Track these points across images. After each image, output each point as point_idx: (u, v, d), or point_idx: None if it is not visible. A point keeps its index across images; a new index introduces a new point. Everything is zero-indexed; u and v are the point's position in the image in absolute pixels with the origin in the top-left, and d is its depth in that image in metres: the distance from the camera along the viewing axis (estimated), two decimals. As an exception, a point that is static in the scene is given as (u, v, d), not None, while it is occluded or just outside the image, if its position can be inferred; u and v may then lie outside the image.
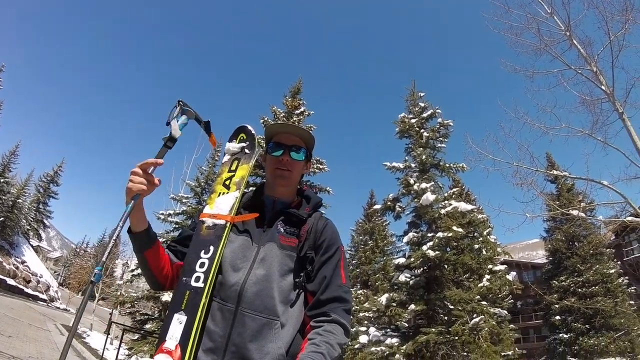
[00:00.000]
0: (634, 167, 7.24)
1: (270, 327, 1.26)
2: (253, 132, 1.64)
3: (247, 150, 1.60)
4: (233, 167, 1.58)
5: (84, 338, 17.17)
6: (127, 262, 25.04)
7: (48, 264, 56.10)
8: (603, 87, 7.62)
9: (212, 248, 1.35)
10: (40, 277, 36.62)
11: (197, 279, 1.30)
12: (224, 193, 1.51)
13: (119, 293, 19.02)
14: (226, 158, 1.62)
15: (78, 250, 71.78)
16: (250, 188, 1.58)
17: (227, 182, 1.54)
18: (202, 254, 1.35)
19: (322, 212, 1.59)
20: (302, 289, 1.38)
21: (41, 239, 49.09)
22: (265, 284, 1.31)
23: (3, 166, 35.35)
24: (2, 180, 34.08)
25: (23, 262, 34.84)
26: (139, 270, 16.06)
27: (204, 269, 1.31)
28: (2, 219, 33.23)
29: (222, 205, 1.46)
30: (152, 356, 1.26)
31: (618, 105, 7.41)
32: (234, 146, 1.61)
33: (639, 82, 7.49)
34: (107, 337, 14.58)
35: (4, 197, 33.96)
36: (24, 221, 38.25)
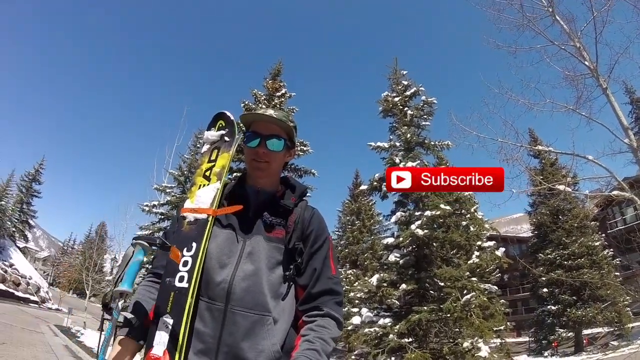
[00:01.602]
0: (618, 141, 7.30)
1: (262, 323, 1.21)
2: (232, 118, 1.55)
3: (226, 138, 1.51)
4: (213, 157, 1.50)
5: (79, 337, 16.97)
6: (115, 257, 24.84)
7: (37, 265, 55.38)
8: (586, 63, 7.61)
9: (194, 245, 1.28)
10: (29, 279, 36.08)
11: (181, 279, 1.23)
12: (204, 185, 1.43)
13: (109, 289, 18.90)
14: (205, 148, 1.54)
15: (66, 248, 70.78)
16: (235, 174, 1.45)
17: (207, 173, 1.46)
18: (184, 252, 1.27)
19: (308, 197, 1.50)
20: (292, 281, 1.33)
21: (28, 240, 48.28)
22: (254, 279, 1.25)
23: (-18, 168, 34.54)
24: (-18, 183, 33.30)
25: (11, 265, 34.23)
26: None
27: (187, 268, 1.24)
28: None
29: (203, 198, 1.38)
30: None
31: (602, 81, 7.43)
32: (212, 134, 1.52)
33: (623, 58, 7.50)
34: (100, 334, 14.45)
35: (-15, 200, 33.23)
36: (9, 223, 37.53)
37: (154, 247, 1.26)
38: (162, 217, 14.59)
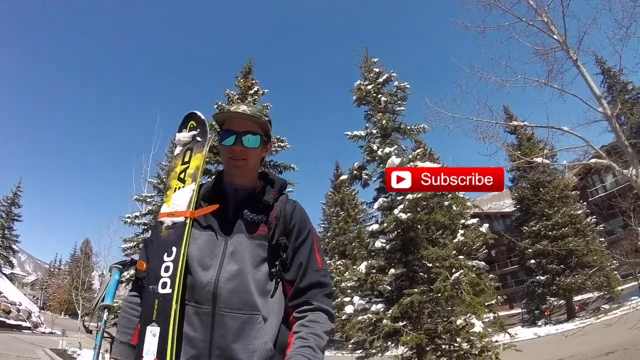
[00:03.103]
0: (592, 111, 7.44)
1: (252, 323, 1.19)
2: (203, 117, 1.51)
3: (198, 138, 1.49)
4: (186, 159, 1.47)
5: (76, 358, 16.74)
6: (102, 273, 24.46)
7: (25, 290, 54.11)
8: (555, 37, 7.72)
9: (174, 249, 1.26)
10: (19, 305, 35.24)
11: (164, 285, 1.21)
12: (179, 188, 1.40)
13: (88, 311, 18.62)
14: (178, 150, 1.51)
15: (52, 269, 69.27)
16: (212, 177, 1.45)
17: (181, 176, 1.43)
18: (165, 258, 1.25)
19: (290, 192, 1.49)
20: (279, 277, 1.31)
21: (13, 266, 47.10)
22: (239, 279, 1.22)
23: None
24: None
25: (0, 294, 33.50)
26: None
27: (169, 273, 1.22)
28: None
29: (179, 201, 1.35)
30: None
31: (572, 53, 7.55)
32: (184, 136, 1.49)
33: (591, 29, 7.60)
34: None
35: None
36: (-8, 251, 36.68)
37: (128, 266, 1.47)
38: (145, 227, 14.44)
